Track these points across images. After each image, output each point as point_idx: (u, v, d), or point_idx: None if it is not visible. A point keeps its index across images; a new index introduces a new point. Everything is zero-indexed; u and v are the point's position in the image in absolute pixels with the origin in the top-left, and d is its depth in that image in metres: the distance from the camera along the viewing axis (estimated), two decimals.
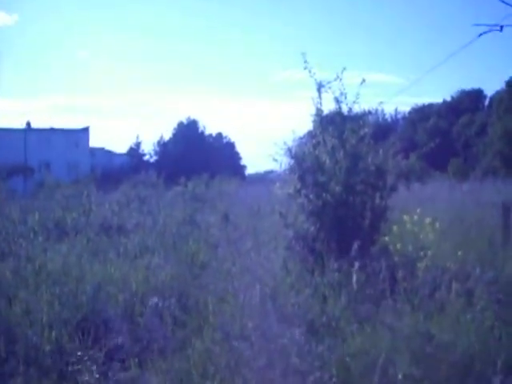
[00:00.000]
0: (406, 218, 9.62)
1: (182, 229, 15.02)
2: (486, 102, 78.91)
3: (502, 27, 20.60)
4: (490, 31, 20.56)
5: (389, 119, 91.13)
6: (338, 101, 10.39)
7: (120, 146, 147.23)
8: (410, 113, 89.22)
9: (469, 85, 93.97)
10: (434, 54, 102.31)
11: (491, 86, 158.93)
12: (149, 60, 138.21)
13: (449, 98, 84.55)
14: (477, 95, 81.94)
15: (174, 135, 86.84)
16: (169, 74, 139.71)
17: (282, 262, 9.04)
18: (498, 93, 66.82)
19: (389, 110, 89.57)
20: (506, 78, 63.18)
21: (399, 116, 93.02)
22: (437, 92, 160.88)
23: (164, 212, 19.31)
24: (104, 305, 7.45)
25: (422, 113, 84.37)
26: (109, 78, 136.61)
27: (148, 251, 11.33)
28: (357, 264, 7.73)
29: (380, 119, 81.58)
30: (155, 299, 7.57)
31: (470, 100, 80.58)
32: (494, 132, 62.26)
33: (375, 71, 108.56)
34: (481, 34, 20.94)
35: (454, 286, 6.72)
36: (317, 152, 10.30)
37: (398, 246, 8.85)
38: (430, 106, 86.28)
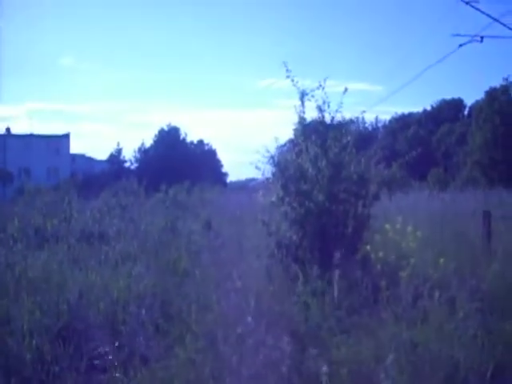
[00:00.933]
0: (387, 226, 9.67)
1: (163, 236, 14.93)
2: (466, 112, 79.72)
3: (482, 38, 20.88)
4: (470, 42, 20.83)
5: (369, 128, 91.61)
6: (320, 109, 10.42)
7: (101, 153, 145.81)
8: (390, 121, 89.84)
9: (449, 94, 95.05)
10: (414, 63, 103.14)
11: (471, 96, 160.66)
12: (132, 68, 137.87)
13: (429, 108, 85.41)
14: (457, 105, 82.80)
15: (155, 142, 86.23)
16: (151, 82, 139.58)
17: (265, 270, 9.02)
18: (477, 102, 67.47)
19: (369, 118, 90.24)
20: (486, 88, 63.91)
21: (380, 124, 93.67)
22: (417, 101, 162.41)
23: (145, 219, 19.18)
24: (85, 313, 7.38)
25: (402, 121, 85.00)
26: (90, 85, 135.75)
27: (129, 259, 11.24)
28: (337, 273, 7.76)
29: (361, 127, 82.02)
30: (137, 307, 7.50)
31: (450, 109, 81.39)
32: (473, 142, 62.75)
33: (355, 80, 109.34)
34: (461, 45, 21.20)
35: (437, 294, 6.75)
36: (300, 160, 10.31)
37: (381, 254, 8.88)
38: (410, 114, 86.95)
